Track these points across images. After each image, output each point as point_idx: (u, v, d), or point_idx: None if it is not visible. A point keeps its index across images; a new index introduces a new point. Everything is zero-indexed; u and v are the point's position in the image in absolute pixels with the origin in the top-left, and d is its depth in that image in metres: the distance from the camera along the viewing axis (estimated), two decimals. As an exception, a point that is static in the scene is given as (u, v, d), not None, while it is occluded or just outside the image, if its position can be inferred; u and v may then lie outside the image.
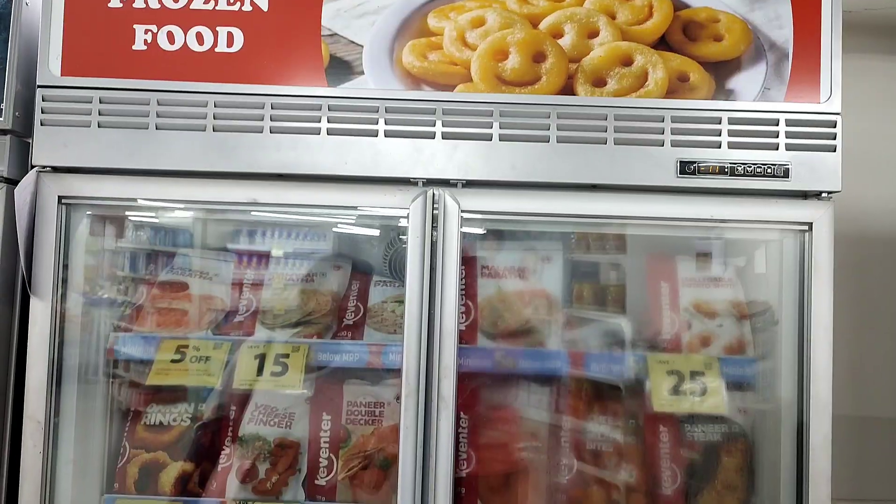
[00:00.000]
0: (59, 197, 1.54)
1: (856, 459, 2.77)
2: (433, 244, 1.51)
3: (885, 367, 2.77)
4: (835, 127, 1.51)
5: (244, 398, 1.77)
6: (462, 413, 1.73)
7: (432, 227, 1.52)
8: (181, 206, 1.54)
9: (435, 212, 1.52)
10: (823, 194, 1.52)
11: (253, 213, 1.70)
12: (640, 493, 1.67)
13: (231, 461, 1.71)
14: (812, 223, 1.50)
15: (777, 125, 1.52)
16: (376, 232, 1.90)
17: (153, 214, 1.78)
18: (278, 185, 1.56)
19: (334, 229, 1.89)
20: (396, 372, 1.53)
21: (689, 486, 1.66)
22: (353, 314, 1.81)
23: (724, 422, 1.68)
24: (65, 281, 1.56)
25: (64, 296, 1.55)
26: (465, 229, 1.55)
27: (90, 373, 1.71)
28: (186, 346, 1.65)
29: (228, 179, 1.56)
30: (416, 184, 1.54)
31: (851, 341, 2.78)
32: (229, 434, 1.75)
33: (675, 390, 1.60)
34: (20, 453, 1.51)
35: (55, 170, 1.55)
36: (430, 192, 1.52)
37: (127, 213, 1.73)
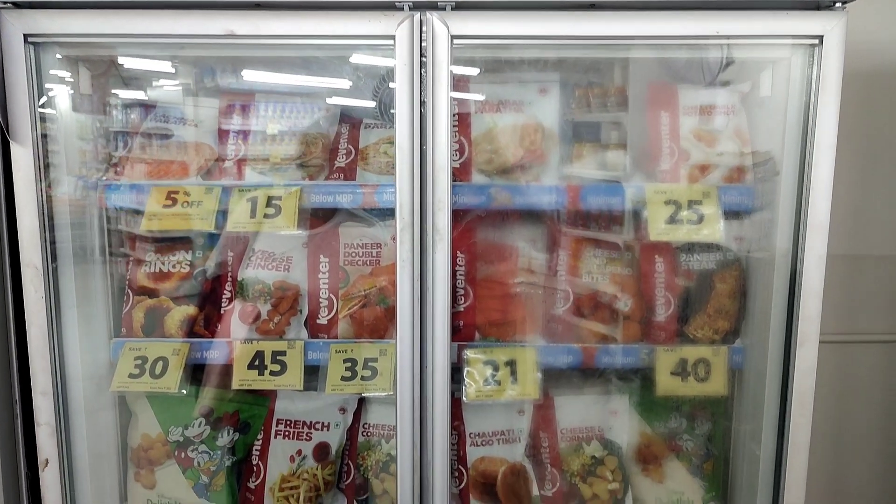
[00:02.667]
0: (24, 35, 1.45)
1: (848, 297, 2.83)
2: (423, 78, 1.44)
3: (886, 206, 2.77)
4: (850, -73, 1.39)
5: (241, 244, 1.78)
6: (459, 251, 1.73)
7: (420, 58, 1.43)
8: (155, 40, 1.45)
9: (423, 44, 1.43)
10: (837, 4, 1.42)
11: (233, 51, 1.61)
12: (634, 321, 1.71)
13: (233, 304, 1.74)
14: (823, 36, 1.41)
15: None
16: (364, 60, 1.80)
17: (130, 57, 1.69)
18: (256, 14, 1.46)
19: (321, 71, 1.80)
20: (392, 213, 1.51)
21: (682, 312, 1.70)
22: (344, 157, 1.77)
23: (718, 250, 1.69)
24: (44, 125, 1.51)
25: (45, 138, 1.50)
26: (457, 68, 1.45)
27: (85, 226, 1.71)
28: (177, 193, 1.63)
29: (203, 10, 1.46)
30: (401, 7, 1.44)
31: (854, 182, 2.75)
32: (229, 279, 1.77)
33: (672, 219, 1.59)
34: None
35: (17, 5, 1.45)
36: (416, 16, 1.42)
37: (100, 52, 1.64)
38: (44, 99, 1.50)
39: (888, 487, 2.89)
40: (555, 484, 1.77)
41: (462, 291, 1.73)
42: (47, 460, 1.57)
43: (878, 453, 2.88)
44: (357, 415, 1.83)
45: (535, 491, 1.78)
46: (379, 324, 1.72)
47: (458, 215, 1.70)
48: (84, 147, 1.70)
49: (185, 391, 1.64)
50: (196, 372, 1.77)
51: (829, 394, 2.83)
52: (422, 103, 1.44)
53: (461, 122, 1.71)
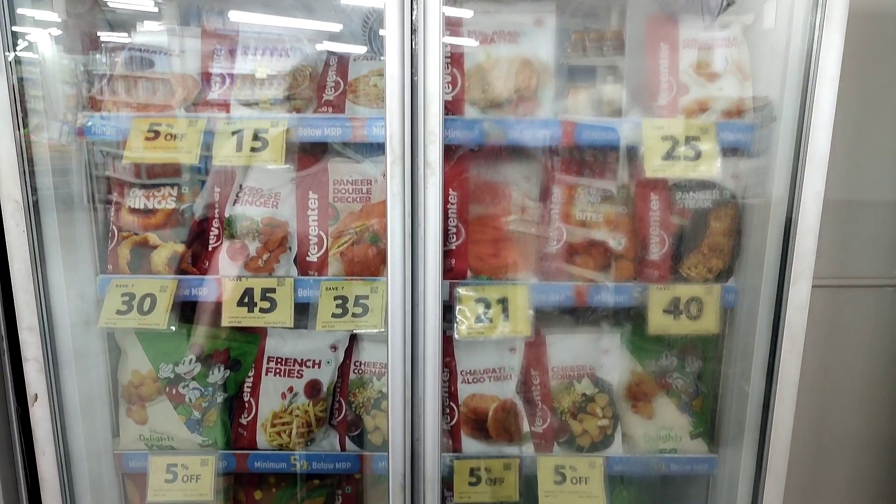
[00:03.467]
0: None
1: (841, 242, 2.83)
2: (413, 4, 1.37)
3: (882, 152, 2.74)
4: None
5: (228, 180, 1.74)
6: (451, 189, 1.70)
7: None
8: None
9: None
10: (847, -73, 1.36)
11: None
12: (627, 260, 1.70)
13: (221, 241, 1.71)
14: (832, -43, 1.35)
15: None
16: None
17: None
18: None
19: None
20: (382, 148, 1.46)
21: (676, 251, 1.68)
22: (332, 89, 1.71)
23: (715, 187, 1.67)
24: (23, 68, 1.46)
25: (24, 81, 1.46)
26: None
27: (71, 173, 1.67)
28: (160, 125, 1.57)
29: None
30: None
31: (851, 127, 2.71)
32: (216, 216, 1.73)
33: (669, 155, 1.55)
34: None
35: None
36: (407, -65, 1.35)
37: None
38: (22, 44, 1.45)
39: (872, 430, 2.95)
40: (545, 420, 1.79)
41: (454, 230, 1.70)
42: (36, 395, 1.56)
43: (863, 397, 2.93)
44: (348, 353, 1.83)
45: (525, 427, 1.79)
46: (370, 261, 1.70)
47: (449, 152, 1.66)
48: (69, 91, 1.64)
49: (174, 328, 1.63)
50: (185, 310, 1.76)
51: (817, 339, 2.86)
52: (413, 31, 1.39)
53: (454, 53, 1.65)
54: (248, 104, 1.66)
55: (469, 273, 1.70)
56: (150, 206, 1.71)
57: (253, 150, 1.56)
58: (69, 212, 1.65)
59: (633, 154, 1.65)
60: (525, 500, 1.76)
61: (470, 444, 1.79)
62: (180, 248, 1.70)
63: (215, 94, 1.65)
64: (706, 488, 1.85)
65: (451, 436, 1.80)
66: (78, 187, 1.69)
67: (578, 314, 1.81)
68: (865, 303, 2.86)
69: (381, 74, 1.68)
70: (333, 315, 1.64)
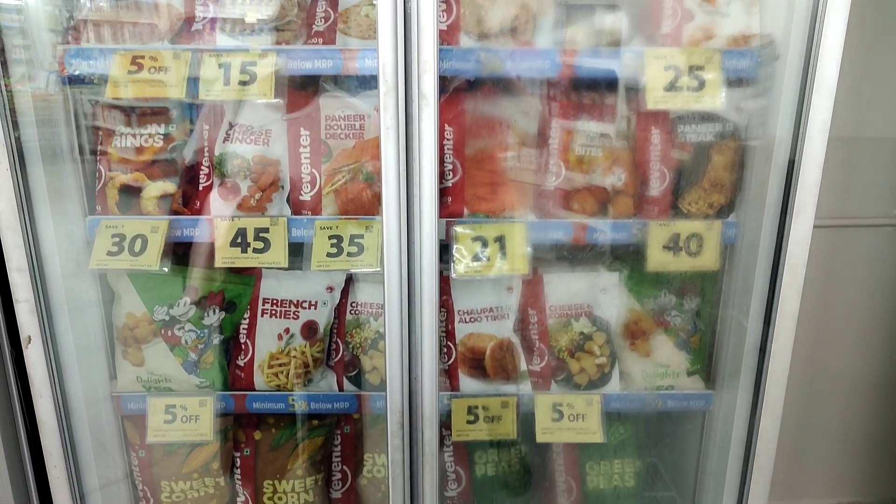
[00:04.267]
0: None
1: (843, 181, 2.80)
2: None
3: (888, 88, 2.68)
4: None
5: (216, 117, 1.68)
6: (446, 124, 1.65)
7: None
8: None
9: None
10: None
11: None
12: (626, 195, 1.67)
13: (211, 180, 1.67)
14: None
15: None
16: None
17: None
18: None
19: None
20: (375, 81, 1.41)
21: (677, 186, 1.65)
22: (322, 20, 1.64)
23: (717, 120, 1.62)
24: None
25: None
26: None
27: (59, 123, 1.62)
28: (143, 58, 1.51)
29: None
30: None
31: (857, 62, 2.64)
32: (205, 154, 1.69)
33: (672, 86, 1.50)
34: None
35: None
36: None
37: None
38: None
39: (867, 369, 2.98)
40: (542, 359, 1.79)
41: (450, 167, 1.66)
42: (30, 337, 1.55)
43: (860, 336, 2.95)
44: (345, 293, 1.81)
45: (522, 366, 1.79)
46: (364, 200, 1.66)
47: (445, 84, 1.60)
48: (54, 40, 1.58)
49: (166, 269, 1.60)
50: (178, 252, 1.73)
51: (815, 278, 2.85)
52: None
53: (448, -20, 1.58)
54: (235, 36, 1.59)
55: (466, 211, 1.67)
56: (138, 145, 1.66)
57: (241, 83, 1.51)
58: (57, 164, 1.61)
59: (633, 86, 1.59)
60: (522, 437, 1.78)
61: (467, 383, 1.79)
62: (170, 187, 1.66)
63: (200, 25, 1.59)
64: (702, 424, 1.87)
65: (449, 375, 1.80)
66: (66, 138, 1.65)
67: (577, 251, 1.79)
68: (864, 243, 2.84)
69: (372, 4, 1.61)
70: (328, 255, 1.61)
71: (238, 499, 1.88)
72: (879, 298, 2.91)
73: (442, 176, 1.66)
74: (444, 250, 1.59)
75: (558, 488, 1.91)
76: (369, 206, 1.66)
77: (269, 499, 1.87)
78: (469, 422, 1.76)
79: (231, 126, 1.68)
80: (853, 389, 3.01)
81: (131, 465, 1.85)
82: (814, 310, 2.88)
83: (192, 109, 1.70)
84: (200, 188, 1.68)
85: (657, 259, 1.63)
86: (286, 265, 1.63)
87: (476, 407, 1.75)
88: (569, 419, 1.74)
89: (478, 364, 1.78)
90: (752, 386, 1.63)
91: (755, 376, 1.62)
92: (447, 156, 1.66)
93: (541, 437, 1.73)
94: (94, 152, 1.70)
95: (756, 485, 1.66)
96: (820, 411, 3.03)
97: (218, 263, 1.63)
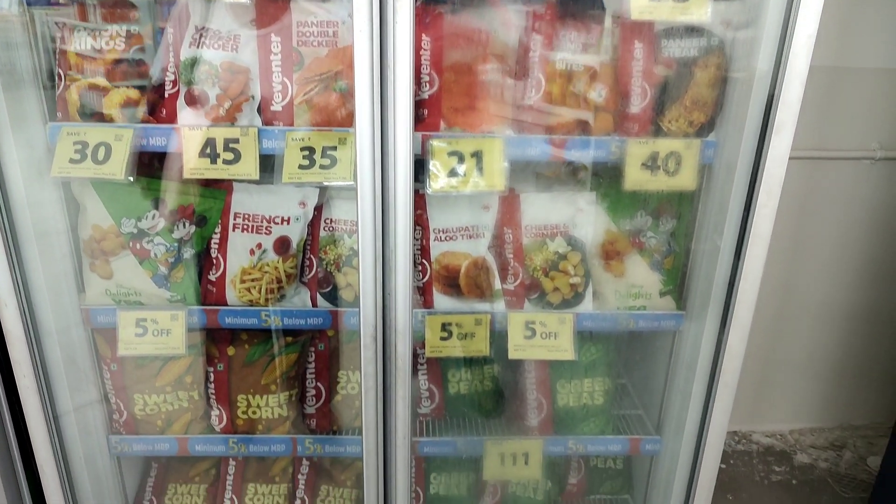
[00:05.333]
0: None
1: (823, 112, 2.78)
2: None
3: (875, 15, 2.63)
4: None
5: (181, 19, 1.60)
6: (423, 34, 1.59)
7: None
8: None
9: None
10: None
11: None
12: (606, 112, 1.63)
13: (178, 87, 1.61)
14: None
15: None
16: None
17: None
18: None
19: None
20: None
21: (658, 103, 1.62)
22: (293, -84, 1.55)
23: (703, 34, 1.58)
24: None
25: None
26: None
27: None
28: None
29: None
30: None
31: None
32: (171, 60, 1.61)
33: (657, -4, 1.45)
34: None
35: None
36: None
37: None
38: None
39: (836, 298, 3.04)
40: (517, 277, 1.79)
41: (427, 78, 1.61)
42: (-10, 244, 1.51)
43: (831, 267, 3.00)
44: (318, 210, 1.78)
45: (497, 285, 1.80)
46: (337, 111, 1.61)
47: (422, -11, 1.54)
48: None
49: (131, 178, 1.55)
50: (146, 163, 1.68)
51: (792, 209, 2.87)
52: None
53: None
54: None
55: (443, 125, 1.63)
56: (99, 46, 1.58)
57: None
58: (16, 74, 1.54)
59: (618, -4, 1.54)
60: (495, 355, 1.80)
61: (442, 301, 1.79)
62: (134, 93, 1.59)
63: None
64: (671, 345, 1.90)
65: (423, 293, 1.80)
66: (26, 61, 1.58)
67: (554, 169, 1.77)
68: (842, 175, 2.86)
69: None
70: (300, 166, 1.57)
71: (212, 412, 1.89)
72: (854, 232, 2.95)
73: (418, 86, 1.61)
74: (420, 167, 1.56)
75: (529, 405, 1.95)
76: (342, 117, 1.61)
77: (243, 412, 1.88)
78: (443, 338, 1.77)
79: (197, 30, 1.60)
80: (819, 320, 3.09)
81: (103, 379, 1.85)
82: (787, 241, 2.92)
83: (156, 10, 1.62)
84: (166, 95, 1.61)
85: (635, 177, 1.61)
86: (257, 177, 1.58)
87: (450, 324, 1.76)
88: (541, 337, 1.76)
89: (452, 282, 1.78)
90: (722, 306, 1.65)
91: (725, 296, 1.64)
92: (424, 67, 1.60)
93: (513, 354, 1.75)
94: (52, 52, 1.61)
95: (720, 400, 1.70)
96: (786, 340, 3.11)
97: (186, 174, 1.58)
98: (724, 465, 3.01)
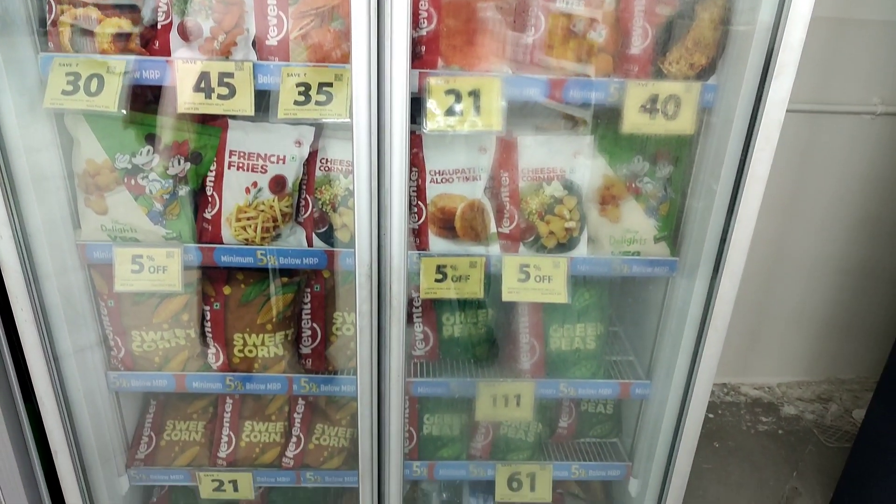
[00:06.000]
0: None
1: (824, 65, 2.74)
2: None
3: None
4: None
5: (174, -52, 1.56)
6: (422, -31, 1.56)
7: None
8: None
9: None
10: None
11: None
12: (607, 54, 1.61)
13: (171, 18, 1.58)
14: None
15: None
16: None
17: None
18: None
19: None
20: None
21: (658, 44, 1.60)
22: None
23: (708, -27, 1.54)
24: None
25: None
26: None
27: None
28: None
29: None
30: None
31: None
32: (164, -11, 1.58)
33: (662, -70, 1.41)
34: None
35: None
36: None
37: None
38: None
39: (830, 251, 3.06)
40: (512, 221, 1.80)
41: (425, 14, 1.58)
42: (-17, 177, 1.50)
43: (826, 221, 3.01)
44: (314, 149, 1.77)
45: (492, 228, 1.80)
46: (334, 47, 1.58)
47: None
48: None
49: (124, 111, 1.53)
50: (140, 97, 1.66)
51: (790, 162, 2.87)
52: None
53: None
54: None
55: (440, 63, 1.61)
56: (89, -25, 1.54)
57: None
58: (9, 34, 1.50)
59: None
60: (489, 296, 1.81)
61: (437, 243, 1.80)
62: (126, 23, 1.56)
63: None
64: (664, 292, 1.92)
65: (419, 234, 1.80)
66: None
67: (552, 112, 1.75)
68: (842, 130, 2.84)
69: None
70: (296, 102, 1.55)
71: (209, 350, 1.91)
72: (852, 187, 2.95)
73: (416, 24, 1.58)
74: (417, 108, 1.54)
75: (522, 348, 1.98)
76: (339, 53, 1.59)
77: (239, 351, 1.91)
78: (437, 280, 1.78)
79: (190, -41, 1.56)
80: (812, 275, 3.11)
81: (101, 315, 1.86)
82: (784, 196, 2.92)
83: (147, -61, 1.58)
84: (159, 27, 1.58)
85: (633, 121, 1.60)
86: (252, 113, 1.57)
87: (445, 266, 1.77)
88: (535, 280, 1.77)
89: (448, 224, 1.78)
90: (716, 251, 1.66)
91: (720, 241, 1.64)
92: (422, 2, 1.57)
93: (507, 297, 1.77)
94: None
95: (710, 345, 1.73)
96: (777, 294, 3.14)
97: (181, 109, 1.56)
98: (712, 415, 3.08)
